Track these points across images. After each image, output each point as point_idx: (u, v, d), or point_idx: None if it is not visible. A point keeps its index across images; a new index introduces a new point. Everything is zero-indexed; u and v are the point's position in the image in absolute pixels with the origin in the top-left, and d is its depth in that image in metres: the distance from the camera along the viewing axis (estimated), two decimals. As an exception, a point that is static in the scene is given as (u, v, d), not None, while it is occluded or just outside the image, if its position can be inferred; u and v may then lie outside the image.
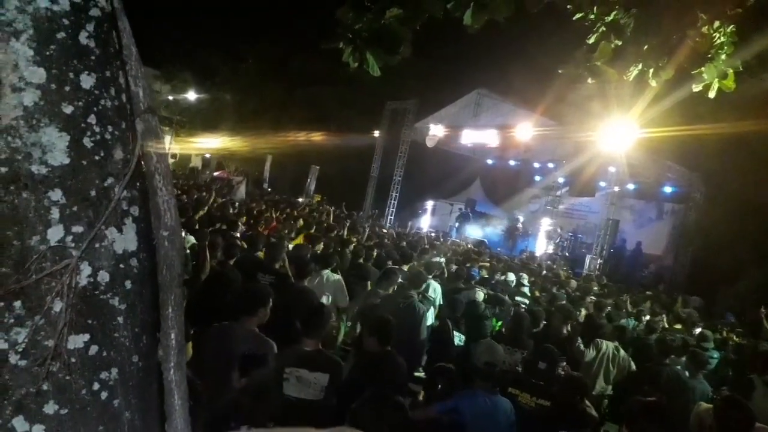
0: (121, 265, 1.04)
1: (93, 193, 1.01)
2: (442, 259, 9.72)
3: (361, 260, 7.74)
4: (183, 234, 6.40)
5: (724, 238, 15.01)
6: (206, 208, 9.51)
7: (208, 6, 28.75)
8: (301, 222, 10.40)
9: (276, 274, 5.85)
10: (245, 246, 6.87)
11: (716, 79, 5.13)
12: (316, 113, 26.85)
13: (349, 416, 3.22)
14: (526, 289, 8.87)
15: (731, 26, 4.88)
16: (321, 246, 7.99)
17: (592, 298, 8.65)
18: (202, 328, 3.86)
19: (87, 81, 1.03)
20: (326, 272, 6.20)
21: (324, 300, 5.71)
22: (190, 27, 28.09)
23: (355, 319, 6.10)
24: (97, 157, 1.03)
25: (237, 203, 13.54)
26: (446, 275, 8.36)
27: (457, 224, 22.48)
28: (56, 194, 0.97)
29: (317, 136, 25.25)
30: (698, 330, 7.57)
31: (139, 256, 1.07)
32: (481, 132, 17.72)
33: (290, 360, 3.70)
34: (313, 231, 9.68)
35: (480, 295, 6.83)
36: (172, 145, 30.27)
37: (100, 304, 1.01)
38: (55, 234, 0.96)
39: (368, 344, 3.97)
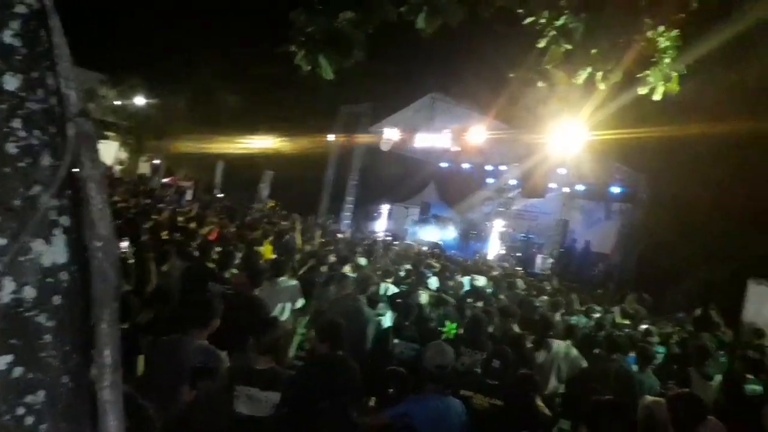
0: (49, 279, 0.96)
1: (17, 202, 0.93)
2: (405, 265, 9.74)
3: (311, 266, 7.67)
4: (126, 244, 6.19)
5: (669, 236, 15.59)
6: (154, 216, 9.26)
7: (158, 9, 28.02)
8: (259, 231, 10.19)
9: (227, 283, 5.70)
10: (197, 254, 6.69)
11: (661, 82, 5.30)
12: (270, 118, 26.52)
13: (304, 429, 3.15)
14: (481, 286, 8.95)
15: (675, 31, 5.05)
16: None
17: (545, 297, 8.80)
18: (152, 341, 3.73)
19: (11, 82, 0.96)
20: (281, 279, 6.08)
21: (278, 309, 5.59)
22: (140, 31, 27.30)
23: (308, 326, 6.01)
24: (21, 164, 0.95)
25: (189, 210, 13.20)
26: (402, 278, 8.37)
27: (412, 227, 22.62)
28: (-26, 205, 0.88)
29: (271, 141, 24.92)
30: (644, 326, 7.80)
31: (69, 269, 0.99)
32: (435, 135, 17.87)
33: (241, 378, 3.61)
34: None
35: (424, 297, 6.85)
36: (119, 151, 29.34)
37: (25, 322, 0.93)
38: (-27, 247, 0.87)
39: (319, 349, 3.91)
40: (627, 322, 8.41)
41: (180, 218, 10.55)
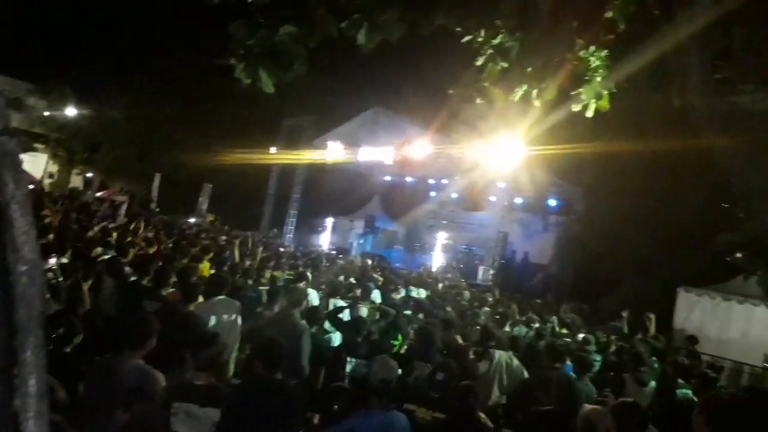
0: None
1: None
2: (341, 278, 9.68)
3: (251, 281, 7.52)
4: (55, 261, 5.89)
5: (604, 247, 16.21)
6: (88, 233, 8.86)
7: (90, 17, 27.04)
8: (197, 247, 9.89)
9: (163, 300, 5.50)
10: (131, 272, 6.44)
11: (593, 100, 5.53)
12: (211, 130, 26.00)
13: None
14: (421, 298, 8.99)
15: (605, 51, 5.28)
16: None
17: (487, 309, 8.95)
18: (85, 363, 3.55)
19: None
20: (221, 297, 5.90)
21: (217, 325, 5.42)
22: (71, 39, 26.26)
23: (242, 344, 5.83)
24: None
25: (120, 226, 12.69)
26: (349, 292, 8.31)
27: (357, 241, 22.59)
28: None
29: (211, 154, 24.38)
30: (581, 335, 8.03)
31: None
32: (379, 149, 17.97)
33: (179, 394, 3.48)
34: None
35: (364, 311, 6.83)
36: (49, 164, 27.99)
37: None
38: None
39: (256, 367, 3.82)
40: (565, 331, 8.65)
41: (114, 234, 10.13)
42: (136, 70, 27.43)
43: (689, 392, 5.77)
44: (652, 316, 9.65)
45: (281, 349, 3.92)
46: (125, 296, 5.40)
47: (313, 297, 7.46)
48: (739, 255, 4.94)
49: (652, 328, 9.62)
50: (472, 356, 5.91)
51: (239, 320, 5.79)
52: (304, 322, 5.57)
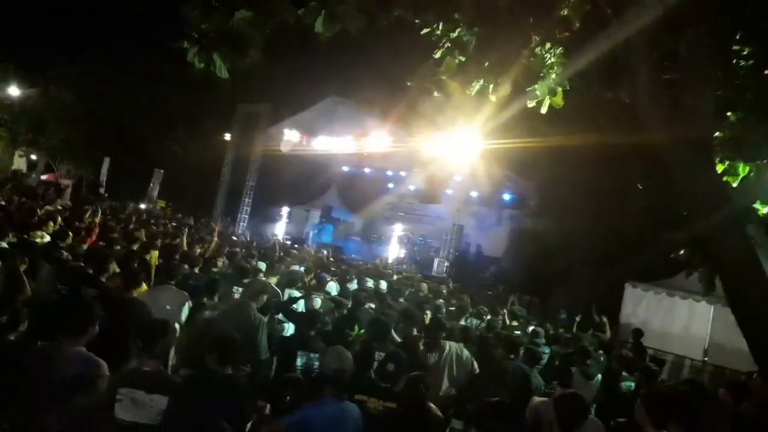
0: None
1: None
2: (302, 268, 9.56)
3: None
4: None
5: (556, 242, 16.59)
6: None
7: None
8: (143, 233, 9.58)
9: (101, 287, 5.31)
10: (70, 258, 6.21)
11: (547, 96, 5.62)
12: (163, 114, 25.25)
13: None
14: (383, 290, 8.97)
15: (560, 48, 5.37)
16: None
17: (441, 300, 9.01)
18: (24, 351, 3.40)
19: None
20: (170, 286, 5.76)
21: (166, 314, 5.29)
22: (16, 17, 24.97)
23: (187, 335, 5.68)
24: None
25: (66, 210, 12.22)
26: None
27: (313, 231, 22.43)
28: None
29: (163, 139, 23.71)
30: (531, 328, 8.19)
31: None
32: (336, 139, 17.84)
33: (125, 380, 3.40)
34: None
35: (318, 301, 6.75)
36: (-11, 145, 26.70)
37: None
38: None
39: (208, 360, 3.75)
40: (515, 323, 8.80)
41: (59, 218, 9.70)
42: (86, 51, 26.38)
43: (632, 384, 5.97)
44: (605, 320, 9.90)
45: (236, 344, 3.87)
46: (63, 283, 5.19)
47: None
48: (681, 252, 5.13)
49: (602, 321, 9.90)
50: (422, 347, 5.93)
51: (185, 310, 5.66)
52: (260, 314, 5.49)
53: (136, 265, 6.09)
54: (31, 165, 29.00)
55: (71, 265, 5.85)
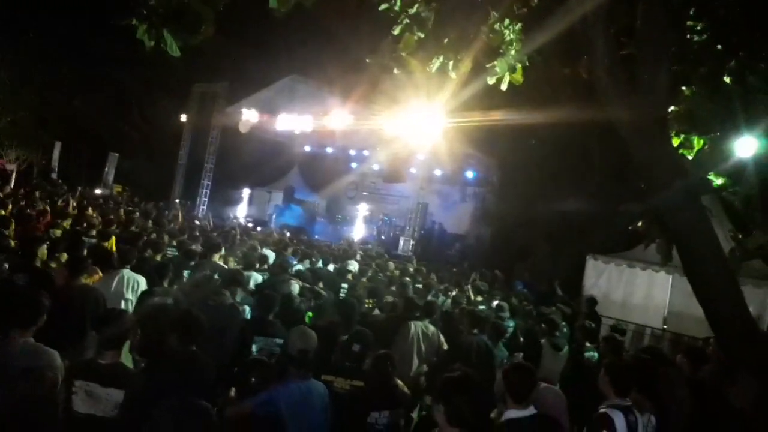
0: None
1: None
2: (266, 251, 9.42)
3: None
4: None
5: (518, 218, 16.84)
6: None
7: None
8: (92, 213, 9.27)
9: (33, 272, 5.06)
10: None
11: (507, 73, 5.61)
12: (115, 96, 24.38)
13: (147, 428, 2.93)
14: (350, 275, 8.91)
15: (518, 24, 5.36)
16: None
17: (407, 279, 9.03)
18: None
19: None
20: (126, 271, 5.57)
21: (123, 305, 5.14)
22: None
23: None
24: None
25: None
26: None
27: (276, 213, 22.18)
28: None
29: (116, 121, 22.93)
30: (495, 302, 8.31)
31: None
32: (297, 118, 17.55)
33: (80, 372, 3.31)
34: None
35: (296, 287, 6.55)
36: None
37: None
38: None
39: (169, 341, 3.66)
40: (480, 298, 8.91)
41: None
42: (32, 30, 25.11)
43: (595, 354, 6.13)
44: (560, 284, 10.09)
45: (199, 322, 3.80)
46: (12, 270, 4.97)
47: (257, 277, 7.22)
48: (639, 224, 5.24)
49: (563, 294, 10.10)
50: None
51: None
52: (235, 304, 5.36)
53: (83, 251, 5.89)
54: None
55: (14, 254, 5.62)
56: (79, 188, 17.14)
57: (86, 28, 23.39)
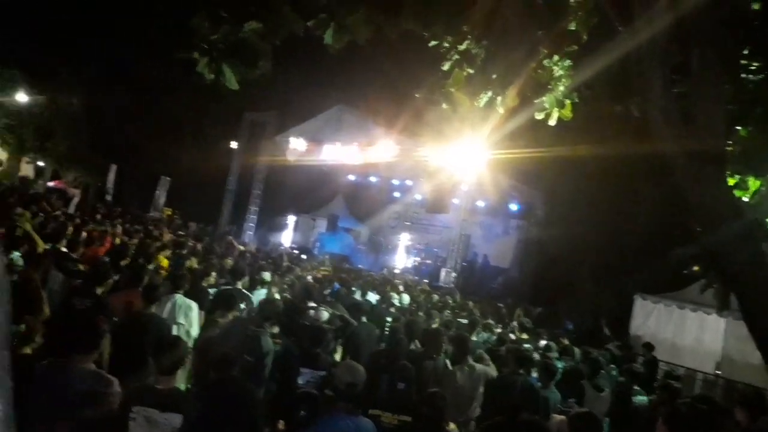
0: None
1: None
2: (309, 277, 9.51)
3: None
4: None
5: (563, 252, 16.51)
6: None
7: (46, 2, 25.97)
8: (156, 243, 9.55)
9: (96, 298, 5.17)
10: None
11: (555, 109, 5.60)
12: (169, 122, 25.34)
13: None
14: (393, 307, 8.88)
15: (568, 61, 5.36)
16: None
17: (448, 312, 8.95)
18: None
19: None
20: (178, 297, 5.63)
21: (175, 330, 5.23)
22: (20, 19, 25.09)
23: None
24: None
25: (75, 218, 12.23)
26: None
27: (320, 240, 22.41)
28: None
29: (169, 146, 23.75)
30: (543, 341, 8.11)
31: None
32: (343, 148, 17.85)
33: (138, 398, 3.36)
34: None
35: (325, 315, 6.52)
36: (-3, 151, 26.87)
37: None
38: None
39: (216, 374, 3.72)
40: (525, 336, 8.73)
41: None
42: (93, 58, 26.50)
43: (645, 399, 5.89)
44: (607, 323, 9.82)
45: (239, 358, 3.83)
46: (71, 296, 5.14)
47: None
48: (696, 268, 5.08)
49: (610, 334, 9.80)
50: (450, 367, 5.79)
51: (196, 323, 5.60)
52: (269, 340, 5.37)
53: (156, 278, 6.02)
54: (39, 172, 29.14)
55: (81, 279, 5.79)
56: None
57: (142, 57, 24.53)
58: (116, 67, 25.68)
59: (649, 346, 9.86)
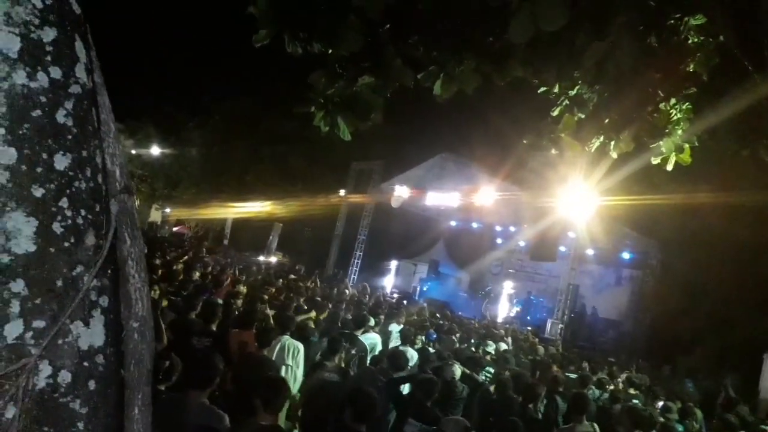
0: (86, 363, 0.93)
1: (59, 283, 0.91)
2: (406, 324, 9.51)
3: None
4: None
5: (681, 304, 15.32)
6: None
7: (175, 59, 28.89)
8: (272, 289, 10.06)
9: (212, 336, 5.51)
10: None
11: (673, 153, 5.35)
12: (282, 171, 26.85)
13: None
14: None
15: (687, 104, 5.14)
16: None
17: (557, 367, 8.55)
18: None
19: (61, 162, 0.95)
20: (286, 338, 5.83)
21: (284, 371, 5.42)
22: (156, 79, 28.09)
23: (304, 395, 5.54)
24: (66, 244, 0.93)
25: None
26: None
27: (421, 285, 22.42)
28: (18, 285, 0.87)
29: (281, 194, 25.12)
30: (661, 402, 7.53)
31: (105, 351, 0.96)
32: (445, 194, 17.97)
33: None
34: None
35: (458, 372, 6.24)
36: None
37: (59, 408, 0.89)
38: (13, 330, 0.86)
39: (346, 417, 3.79)
40: (633, 391, 8.16)
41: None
42: (214, 111, 28.94)
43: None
44: (733, 383, 8.93)
45: (374, 402, 3.86)
46: (174, 331, 5.43)
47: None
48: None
49: (736, 396, 8.91)
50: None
51: (302, 364, 5.77)
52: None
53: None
54: (165, 218, 31.79)
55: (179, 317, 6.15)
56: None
57: (259, 109, 26.42)
58: (236, 118, 27.81)
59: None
